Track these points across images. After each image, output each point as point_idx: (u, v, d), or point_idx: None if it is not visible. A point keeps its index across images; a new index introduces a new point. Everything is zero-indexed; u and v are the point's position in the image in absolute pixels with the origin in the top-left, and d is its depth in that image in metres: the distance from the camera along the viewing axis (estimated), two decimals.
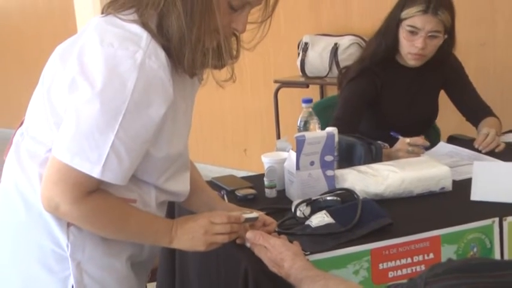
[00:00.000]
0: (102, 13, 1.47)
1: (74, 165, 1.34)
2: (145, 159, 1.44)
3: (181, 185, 1.61)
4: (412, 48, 2.44)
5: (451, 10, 2.42)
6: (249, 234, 1.57)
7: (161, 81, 1.36)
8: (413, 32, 2.41)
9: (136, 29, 1.38)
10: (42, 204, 1.41)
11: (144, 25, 1.38)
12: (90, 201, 1.40)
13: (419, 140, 2.23)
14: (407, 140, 2.22)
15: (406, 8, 2.41)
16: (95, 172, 1.35)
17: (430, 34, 2.41)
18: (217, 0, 1.38)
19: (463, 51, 2.61)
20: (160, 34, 1.39)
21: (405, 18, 2.42)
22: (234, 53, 1.53)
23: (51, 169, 1.38)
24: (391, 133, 2.35)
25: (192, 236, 1.51)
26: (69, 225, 1.44)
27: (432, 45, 2.44)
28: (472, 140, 2.49)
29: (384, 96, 2.54)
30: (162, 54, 1.37)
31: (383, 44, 2.50)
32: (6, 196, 1.52)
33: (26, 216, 1.47)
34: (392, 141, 2.29)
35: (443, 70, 2.62)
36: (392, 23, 2.46)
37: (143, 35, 1.37)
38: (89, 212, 1.41)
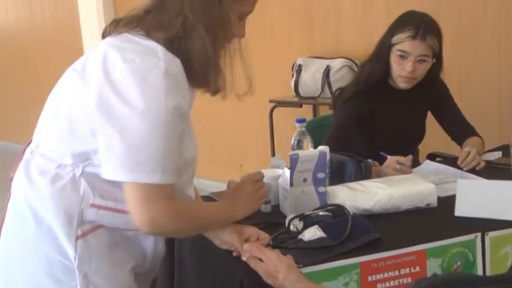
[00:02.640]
0: (108, 34, 1.50)
1: (138, 179, 1.35)
2: None
3: (192, 191, 1.63)
4: (402, 71, 2.45)
5: (438, 36, 2.44)
6: (246, 247, 1.58)
7: (183, 83, 1.41)
8: (403, 56, 2.42)
9: (150, 43, 1.41)
10: (144, 231, 1.43)
11: (154, 39, 1.42)
12: (177, 207, 1.46)
13: (408, 160, 2.24)
14: (397, 158, 2.23)
15: (396, 34, 2.43)
16: (156, 179, 1.36)
17: (419, 58, 2.42)
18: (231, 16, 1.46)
19: (446, 74, 2.63)
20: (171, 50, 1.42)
21: (395, 44, 2.43)
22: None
23: (133, 193, 1.38)
24: (380, 153, 2.36)
25: (247, 202, 1.64)
26: (77, 238, 1.44)
27: (421, 68, 2.45)
28: (455, 158, 2.50)
29: (376, 116, 2.54)
30: (177, 61, 1.41)
31: (377, 68, 2.50)
32: (16, 211, 1.51)
33: (35, 230, 1.45)
34: (381, 161, 2.30)
35: (431, 92, 2.63)
36: (384, 48, 2.47)
37: (157, 47, 1.40)
38: (181, 216, 1.47)
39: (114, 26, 1.51)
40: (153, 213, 1.39)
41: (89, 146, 1.41)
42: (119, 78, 1.35)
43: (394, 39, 2.43)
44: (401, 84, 2.50)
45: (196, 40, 1.41)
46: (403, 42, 2.40)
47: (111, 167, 1.37)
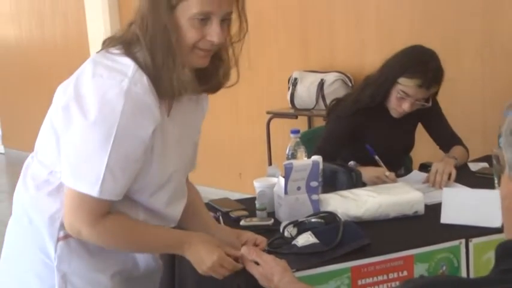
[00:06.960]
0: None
1: (77, 188, 1.37)
2: (138, 178, 1.44)
3: (174, 211, 1.58)
4: (398, 108, 2.45)
5: (441, 82, 2.43)
6: (244, 250, 1.57)
7: (147, 105, 1.37)
8: (404, 98, 2.42)
9: (126, 60, 1.39)
10: (68, 231, 1.43)
11: (133, 57, 1.40)
12: (106, 222, 1.42)
13: (394, 178, 2.27)
14: (387, 173, 2.26)
15: (405, 77, 2.39)
16: (94, 191, 1.36)
17: (417, 101, 2.43)
18: (178, 26, 1.37)
19: None
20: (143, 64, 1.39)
21: (400, 84, 2.40)
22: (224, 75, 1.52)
23: (67, 198, 1.41)
24: (367, 146, 2.39)
25: (199, 261, 1.50)
26: (58, 239, 1.47)
27: (416, 105, 2.45)
28: None
29: (367, 133, 2.53)
30: (147, 81, 1.37)
31: (377, 96, 2.47)
32: (14, 213, 1.57)
33: (26, 230, 1.51)
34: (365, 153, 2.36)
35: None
36: (389, 80, 2.44)
37: (131, 65, 1.38)
38: (107, 232, 1.43)
39: (106, 44, 1.48)
40: (79, 222, 1.40)
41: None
42: (83, 91, 1.37)
43: (401, 80, 2.39)
44: (394, 115, 2.50)
45: (155, 51, 1.37)
46: (408, 87, 2.39)
47: (63, 172, 1.40)
